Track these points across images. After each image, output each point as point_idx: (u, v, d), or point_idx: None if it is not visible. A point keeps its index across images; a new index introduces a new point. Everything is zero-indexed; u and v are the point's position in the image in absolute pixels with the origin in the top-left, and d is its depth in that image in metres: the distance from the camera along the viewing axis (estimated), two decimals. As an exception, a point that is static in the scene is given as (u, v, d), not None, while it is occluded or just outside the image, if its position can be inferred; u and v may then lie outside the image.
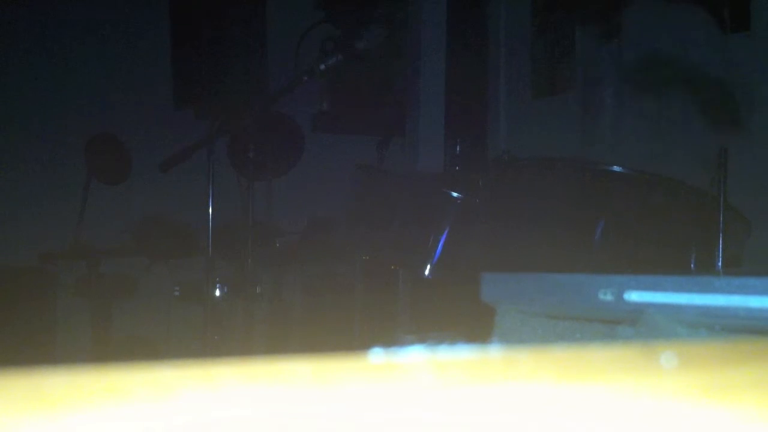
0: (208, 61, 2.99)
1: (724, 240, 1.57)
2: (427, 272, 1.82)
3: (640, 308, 0.52)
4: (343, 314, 3.26)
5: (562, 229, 1.66)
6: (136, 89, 3.38)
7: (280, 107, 3.03)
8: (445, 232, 1.79)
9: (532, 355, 0.32)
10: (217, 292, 2.70)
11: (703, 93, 2.56)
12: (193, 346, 2.83)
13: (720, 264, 1.57)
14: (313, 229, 3.30)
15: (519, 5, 3.34)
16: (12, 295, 2.96)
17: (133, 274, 3.16)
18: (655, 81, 2.74)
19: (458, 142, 3.10)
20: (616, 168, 1.68)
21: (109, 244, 3.12)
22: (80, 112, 3.32)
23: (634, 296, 0.52)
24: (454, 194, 1.81)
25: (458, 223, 1.79)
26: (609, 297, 0.53)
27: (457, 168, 2.91)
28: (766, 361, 0.34)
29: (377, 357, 0.30)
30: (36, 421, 0.22)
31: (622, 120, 2.87)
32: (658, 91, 2.73)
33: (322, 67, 2.06)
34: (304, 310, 3.44)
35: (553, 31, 3.17)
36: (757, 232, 1.84)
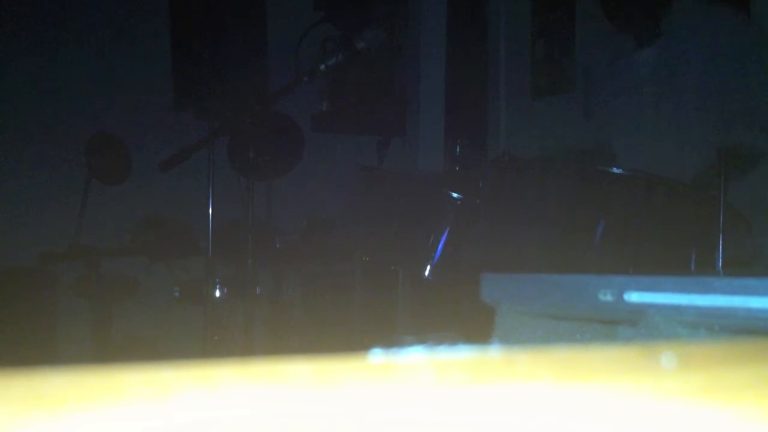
0: (207, 62, 2.99)
1: (724, 240, 1.57)
2: (427, 272, 1.82)
3: (640, 308, 0.52)
4: (343, 314, 3.26)
5: (562, 229, 1.66)
6: (136, 89, 3.38)
7: (280, 107, 3.03)
8: (445, 232, 1.79)
9: (532, 355, 0.32)
10: (217, 293, 2.70)
11: (702, 92, 2.56)
12: (193, 346, 2.83)
13: (720, 264, 1.57)
14: (313, 229, 3.30)
15: (519, 5, 3.34)
16: (12, 295, 2.96)
17: (133, 274, 3.16)
18: (654, 80, 2.74)
19: (458, 142, 3.10)
20: (615, 168, 1.68)
21: (109, 244, 3.12)
22: (80, 112, 3.32)
23: (634, 297, 0.52)
24: (454, 194, 1.81)
25: (458, 223, 1.79)
26: (609, 297, 0.53)
27: (457, 168, 2.91)
28: (766, 361, 0.34)
29: (377, 357, 0.30)
30: (36, 421, 0.22)
31: (622, 120, 2.87)
32: (659, 91, 2.73)
33: (322, 67, 2.06)
34: (304, 310, 3.44)
35: (553, 31, 3.17)
36: (757, 232, 1.84)
